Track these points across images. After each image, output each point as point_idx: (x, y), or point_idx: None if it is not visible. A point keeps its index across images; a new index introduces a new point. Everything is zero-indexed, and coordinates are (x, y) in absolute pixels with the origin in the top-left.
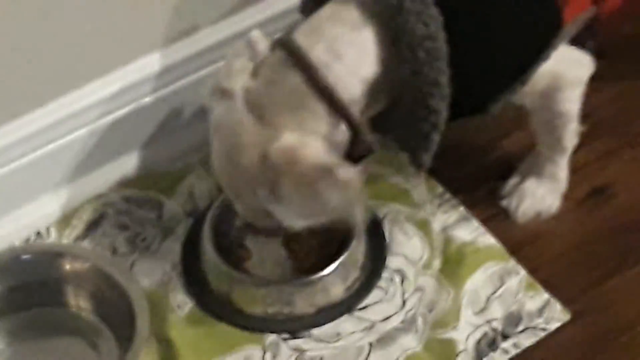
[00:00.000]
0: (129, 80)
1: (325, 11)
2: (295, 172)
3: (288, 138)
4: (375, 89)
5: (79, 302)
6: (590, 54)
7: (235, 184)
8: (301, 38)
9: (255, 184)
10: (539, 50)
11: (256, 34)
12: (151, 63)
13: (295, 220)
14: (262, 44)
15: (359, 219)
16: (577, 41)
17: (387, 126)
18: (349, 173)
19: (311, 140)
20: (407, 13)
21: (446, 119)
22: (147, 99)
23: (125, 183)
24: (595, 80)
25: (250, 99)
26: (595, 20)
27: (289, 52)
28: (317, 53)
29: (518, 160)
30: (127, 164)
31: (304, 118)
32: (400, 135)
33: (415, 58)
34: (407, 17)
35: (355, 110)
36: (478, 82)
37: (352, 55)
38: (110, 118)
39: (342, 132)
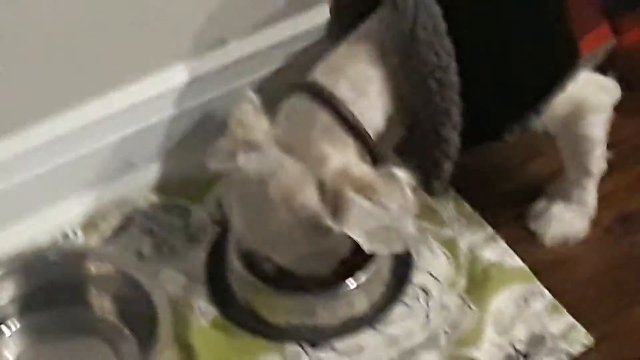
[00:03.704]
0: (160, 88)
1: (342, 49)
2: (357, 185)
3: (335, 160)
4: (395, 121)
5: (103, 304)
6: (613, 80)
7: (279, 234)
8: (322, 78)
9: (318, 216)
10: (554, 82)
11: (250, 92)
12: (182, 72)
13: (362, 239)
14: (257, 100)
15: (412, 231)
16: (599, 69)
17: (405, 153)
18: (404, 174)
19: (355, 159)
20: (419, 43)
21: (459, 147)
22: (175, 109)
23: (153, 189)
24: (624, 110)
25: (280, 141)
26: (616, 51)
27: (314, 93)
28: (342, 91)
29: (547, 183)
30: (156, 170)
31: (341, 150)
32: (414, 163)
33: (427, 88)
34: (419, 48)
35: (378, 142)
36: (490, 112)
37: (374, 91)
38: (141, 125)
39: (368, 162)
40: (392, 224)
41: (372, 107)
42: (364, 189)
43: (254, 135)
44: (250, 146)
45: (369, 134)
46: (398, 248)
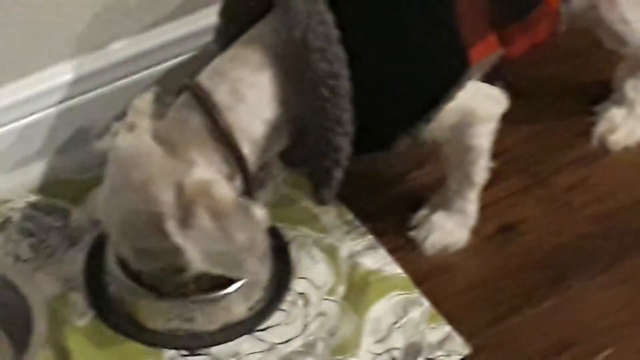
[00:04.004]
0: (42, 87)
1: (229, 53)
2: (211, 205)
3: (202, 173)
4: (279, 128)
5: None
6: (502, 91)
7: (127, 220)
8: (206, 81)
9: (163, 215)
10: (443, 90)
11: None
12: (65, 72)
13: (197, 257)
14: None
15: (252, 270)
16: (487, 79)
17: (295, 161)
18: (262, 214)
19: (221, 179)
20: (310, 50)
21: (350, 155)
22: (59, 107)
23: (32, 190)
24: (509, 120)
25: (158, 135)
26: (503, 61)
27: (194, 94)
28: (220, 95)
29: (429, 193)
30: (36, 170)
31: (210, 158)
32: (304, 170)
33: (318, 95)
34: (311, 55)
35: (254, 151)
36: (381, 120)
37: (254, 97)
38: (21, 124)
39: (234, 168)
40: (233, 254)
41: (251, 114)
42: (217, 213)
43: (138, 120)
44: (131, 128)
45: (238, 142)
46: (235, 276)
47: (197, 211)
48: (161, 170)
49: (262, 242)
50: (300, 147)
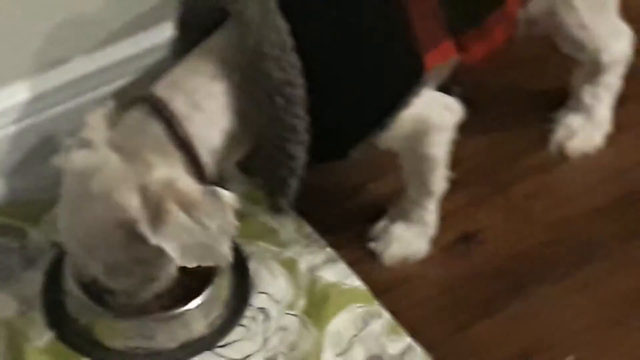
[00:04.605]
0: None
1: (184, 64)
2: (179, 199)
3: (162, 171)
4: (237, 137)
5: None
6: (457, 100)
7: (95, 233)
8: (161, 91)
9: (133, 220)
10: (399, 97)
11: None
12: (20, 90)
13: (176, 253)
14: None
15: (227, 252)
16: (443, 89)
17: (252, 169)
18: (230, 196)
19: (182, 173)
20: (265, 59)
21: (306, 164)
22: (15, 127)
23: None
24: (466, 129)
25: (113, 144)
26: (460, 68)
27: (150, 105)
28: (177, 105)
29: (388, 204)
30: None
31: (168, 163)
32: (260, 180)
33: (273, 104)
34: (265, 63)
35: (212, 160)
36: (336, 128)
37: (211, 106)
38: None
39: (195, 178)
40: (209, 243)
41: (209, 123)
42: (187, 205)
43: (91, 134)
44: (83, 143)
45: (197, 150)
46: (209, 264)
47: (167, 208)
48: (122, 177)
49: (234, 224)
50: (257, 155)
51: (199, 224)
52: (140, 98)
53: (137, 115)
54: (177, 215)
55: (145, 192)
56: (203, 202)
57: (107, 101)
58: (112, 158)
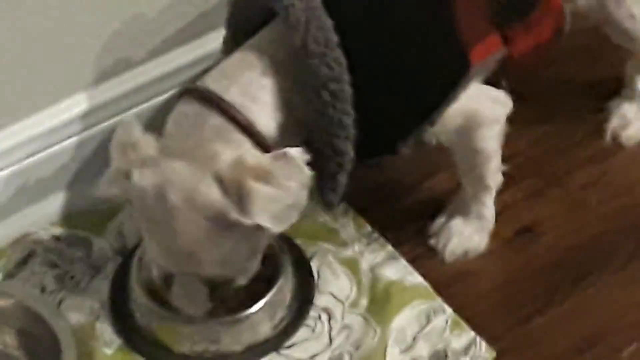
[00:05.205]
0: (60, 118)
1: (234, 58)
2: (255, 173)
3: (228, 155)
4: (287, 131)
5: (5, 339)
6: (506, 93)
7: (195, 240)
8: (213, 84)
9: (223, 212)
10: (446, 91)
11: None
12: (80, 102)
13: (270, 224)
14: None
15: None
16: (491, 81)
17: None
18: (295, 151)
19: (246, 147)
20: (311, 55)
21: (355, 159)
22: (76, 138)
23: (54, 222)
24: (520, 122)
25: (171, 152)
26: (508, 61)
27: (203, 97)
28: (233, 95)
29: (446, 199)
30: (56, 202)
31: (234, 147)
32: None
33: (320, 100)
34: (311, 60)
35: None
36: (384, 123)
37: (265, 99)
38: (39, 157)
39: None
40: (294, 201)
41: (264, 114)
42: (263, 176)
43: (144, 152)
44: (143, 163)
45: (263, 133)
46: (294, 219)
47: (247, 187)
48: (194, 177)
49: (309, 174)
50: (307, 151)
51: (281, 189)
52: (187, 91)
53: (187, 110)
54: (258, 189)
55: (221, 181)
56: (276, 167)
57: (125, 120)
58: (177, 165)
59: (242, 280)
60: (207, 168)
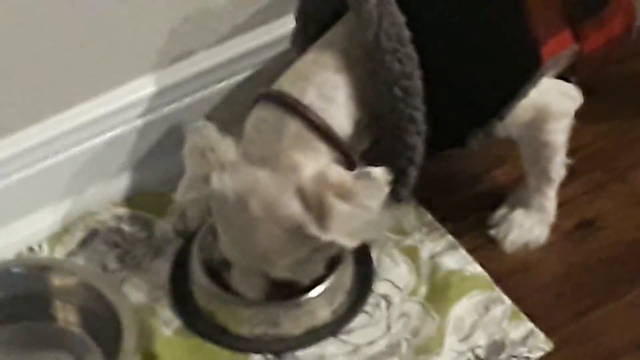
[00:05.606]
0: (125, 100)
1: (307, 57)
2: (336, 191)
3: (310, 167)
4: (362, 127)
5: (67, 317)
6: (576, 87)
7: (272, 249)
8: (289, 87)
9: (301, 226)
10: (516, 88)
11: (203, 121)
12: (146, 84)
13: (347, 241)
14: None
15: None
16: (561, 77)
17: (373, 160)
18: (379, 171)
19: (329, 163)
20: (383, 52)
21: (424, 153)
22: (142, 120)
23: (117, 202)
24: (585, 116)
25: (252, 158)
26: (579, 57)
27: (281, 101)
28: (311, 99)
29: (508, 191)
30: (120, 183)
31: (314, 157)
32: None
33: (392, 95)
34: (383, 56)
35: (350, 147)
36: (454, 118)
37: (340, 98)
38: (104, 137)
39: (343, 165)
40: (373, 220)
41: (341, 114)
42: (344, 193)
43: (223, 155)
44: (223, 167)
45: (341, 138)
46: (374, 237)
47: (328, 203)
48: (276, 189)
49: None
50: (376, 146)
51: (361, 208)
52: (264, 96)
53: (266, 115)
54: (339, 207)
55: (303, 195)
56: (358, 186)
57: (199, 124)
58: (260, 174)
59: (306, 281)
60: (289, 180)
